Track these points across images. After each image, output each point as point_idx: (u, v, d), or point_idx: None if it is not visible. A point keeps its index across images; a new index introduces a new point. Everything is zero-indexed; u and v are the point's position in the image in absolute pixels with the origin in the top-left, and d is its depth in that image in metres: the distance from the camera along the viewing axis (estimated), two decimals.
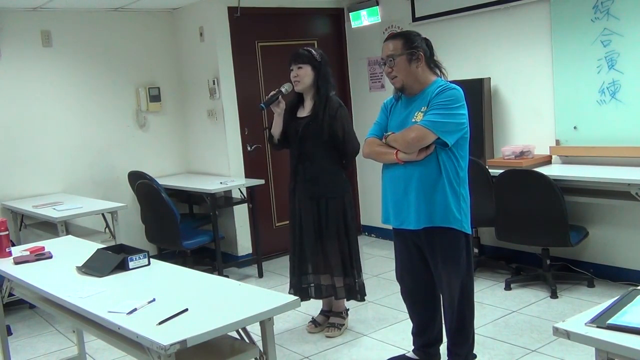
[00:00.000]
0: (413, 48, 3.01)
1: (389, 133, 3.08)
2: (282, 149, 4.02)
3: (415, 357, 3.35)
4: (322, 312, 4.11)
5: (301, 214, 3.88)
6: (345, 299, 3.98)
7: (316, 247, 3.87)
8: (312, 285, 3.94)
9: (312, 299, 4.01)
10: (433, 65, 3.09)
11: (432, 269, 3.14)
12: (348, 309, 4.10)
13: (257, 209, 5.45)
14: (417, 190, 2.98)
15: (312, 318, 4.11)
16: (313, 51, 3.85)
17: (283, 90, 3.81)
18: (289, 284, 4.05)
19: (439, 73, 3.10)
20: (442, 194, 2.96)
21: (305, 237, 3.88)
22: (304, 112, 3.86)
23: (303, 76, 3.78)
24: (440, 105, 2.93)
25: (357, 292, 3.94)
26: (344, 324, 4.00)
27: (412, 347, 3.38)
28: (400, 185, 3.04)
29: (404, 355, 3.45)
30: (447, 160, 2.97)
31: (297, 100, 3.92)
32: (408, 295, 3.32)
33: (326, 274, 3.90)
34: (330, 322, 4.01)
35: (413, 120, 2.99)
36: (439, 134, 2.91)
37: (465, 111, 2.97)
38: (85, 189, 5.47)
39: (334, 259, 3.85)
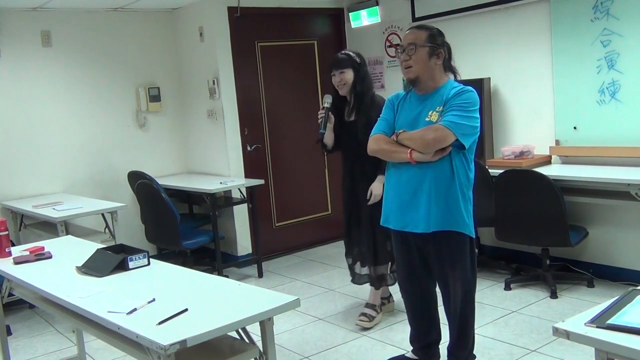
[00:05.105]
0: (436, 44, 2.96)
1: (401, 131, 2.98)
2: (334, 153, 4.14)
3: (415, 358, 3.35)
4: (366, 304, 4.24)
5: (360, 210, 3.98)
6: (379, 290, 4.10)
7: (366, 238, 3.99)
8: (362, 274, 4.11)
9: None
10: (449, 69, 3.04)
11: (436, 272, 3.10)
12: (383, 304, 4.15)
13: (257, 209, 5.45)
14: (429, 192, 2.90)
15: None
16: (351, 53, 3.98)
17: (327, 105, 3.89)
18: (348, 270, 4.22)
19: (452, 77, 3.06)
20: (454, 198, 2.90)
21: (362, 229, 4.01)
22: (351, 115, 3.95)
23: (347, 79, 3.90)
24: (459, 107, 2.86)
25: (387, 279, 4.09)
26: (375, 317, 4.06)
27: (412, 348, 3.38)
28: (409, 186, 2.96)
29: (404, 355, 3.45)
30: (459, 163, 2.91)
31: (341, 103, 4.01)
32: (407, 297, 3.30)
33: (365, 265, 4.09)
34: (363, 312, 4.09)
35: (427, 119, 2.92)
36: (458, 135, 2.83)
37: (479, 115, 2.93)
38: (85, 189, 5.47)
39: (373, 249, 4.00)
